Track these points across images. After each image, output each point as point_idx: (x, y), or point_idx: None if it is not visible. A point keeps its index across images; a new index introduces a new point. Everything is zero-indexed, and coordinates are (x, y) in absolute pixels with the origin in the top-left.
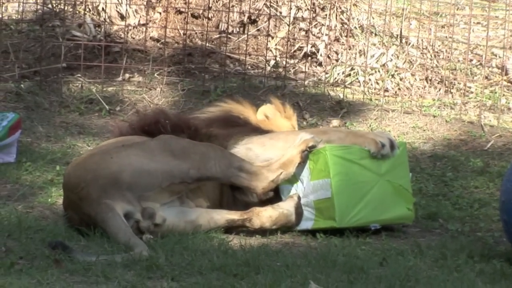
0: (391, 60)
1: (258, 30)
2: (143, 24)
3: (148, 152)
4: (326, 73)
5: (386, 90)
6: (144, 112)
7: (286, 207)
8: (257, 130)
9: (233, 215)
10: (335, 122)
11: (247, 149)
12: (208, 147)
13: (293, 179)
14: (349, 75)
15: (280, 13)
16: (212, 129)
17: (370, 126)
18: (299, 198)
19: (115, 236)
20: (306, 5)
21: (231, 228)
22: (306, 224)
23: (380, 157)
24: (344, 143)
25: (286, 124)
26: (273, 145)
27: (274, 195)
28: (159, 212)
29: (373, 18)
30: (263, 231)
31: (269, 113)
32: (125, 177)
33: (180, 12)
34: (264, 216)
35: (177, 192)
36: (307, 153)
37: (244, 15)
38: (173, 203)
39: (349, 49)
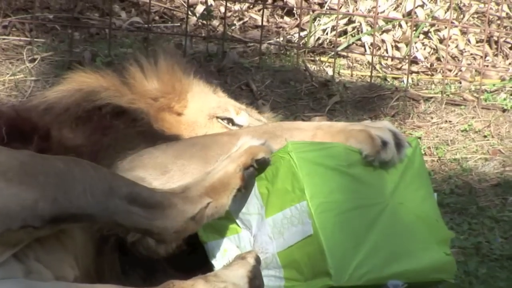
0: (424, 4)
1: None
2: None
3: None
4: (302, 30)
5: (414, 61)
6: None
7: (230, 278)
8: (150, 135)
9: None
10: (318, 120)
11: (136, 179)
12: (70, 163)
13: (229, 224)
14: (345, 33)
15: None
16: (67, 134)
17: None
18: (256, 259)
19: None
20: None
21: None
22: None
23: (378, 163)
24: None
25: (167, 120)
26: (184, 171)
27: (192, 252)
28: None
29: None
30: None
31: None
32: None
33: None
34: None
35: (13, 244)
36: (254, 172)
37: None
38: (9, 272)
39: None
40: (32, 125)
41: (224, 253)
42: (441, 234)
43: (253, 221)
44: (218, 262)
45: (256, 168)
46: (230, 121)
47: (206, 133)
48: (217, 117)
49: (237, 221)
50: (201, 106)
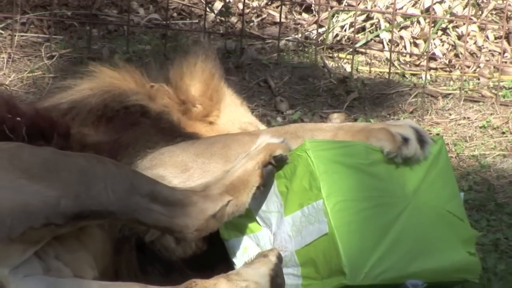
0: (442, 1)
1: None
2: None
3: None
4: (320, 26)
5: (433, 58)
6: None
7: (252, 276)
8: (170, 132)
9: None
10: (336, 117)
11: (156, 178)
12: (92, 160)
13: (250, 222)
14: (363, 29)
15: None
16: (86, 131)
17: None
18: (278, 257)
19: None
20: None
21: None
22: None
23: (400, 160)
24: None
25: (199, 130)
26: (204, 170)
27: (212, 251)
28: (11, 285)
29: None
30: None
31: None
32: None
33: None
34: None
35: (35, 242)
36: (272, 169)
37: None
38: (31, 269)
39: None
40: (51, 124)
41: (245, 251)
42: (465, 233)
43: (273, 219)
44: (238, 259)
45: (275, 165)
46: None
47: None
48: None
49: (258, 219)
50: (233, 119)
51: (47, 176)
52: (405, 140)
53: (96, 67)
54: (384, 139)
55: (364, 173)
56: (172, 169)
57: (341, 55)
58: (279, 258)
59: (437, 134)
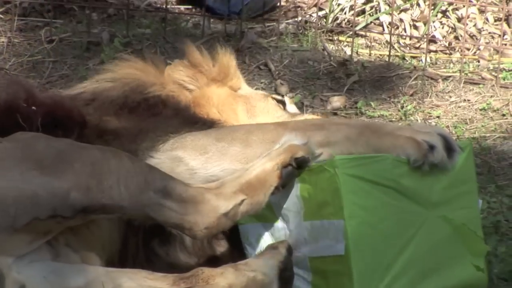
0: None
1: None
2: None
3: None
4: (320, 9)
5: (433, 41)
6: None
7: (260, 267)
8: (192, 121)
9: (161, 282)
10: (336, 100)
11: (174, 159)
12: (107, 153)
13: (268, 213)
14: (363, 12)
15: None
16: (107, 118)
17: (402, 108)
18: (288, 249)
19: None
20: None
21: None
22: None
23: (427, 167)
24: (356, 147)
25: (220, 93)
26: (223, 153)
27: (229, 245)
28: (12, 272)
29: None
30: None
31: (182, 76)
32: None
33: None
34: (219, 285)
35: (43, 233)
36: (293, 171)
37: None
38: (39, 255)
39: None
40: (68, 114)
41: (258, 238)
42: (477, 247)
43: (291, 217)
44: (250, 245)
45: (295, 167)
46: (283, 103)
47: (262, 108)
48: (272, 97)
49: (276, 212)
50: (255, 91)
51: (59, 167)
52: (431, 147)
53: (120, 57)
54: (409, 148)
55: (389, 189)
56: (191, 151)
57: (341, 38)
58: (289, 250)
59: (437, 117)
